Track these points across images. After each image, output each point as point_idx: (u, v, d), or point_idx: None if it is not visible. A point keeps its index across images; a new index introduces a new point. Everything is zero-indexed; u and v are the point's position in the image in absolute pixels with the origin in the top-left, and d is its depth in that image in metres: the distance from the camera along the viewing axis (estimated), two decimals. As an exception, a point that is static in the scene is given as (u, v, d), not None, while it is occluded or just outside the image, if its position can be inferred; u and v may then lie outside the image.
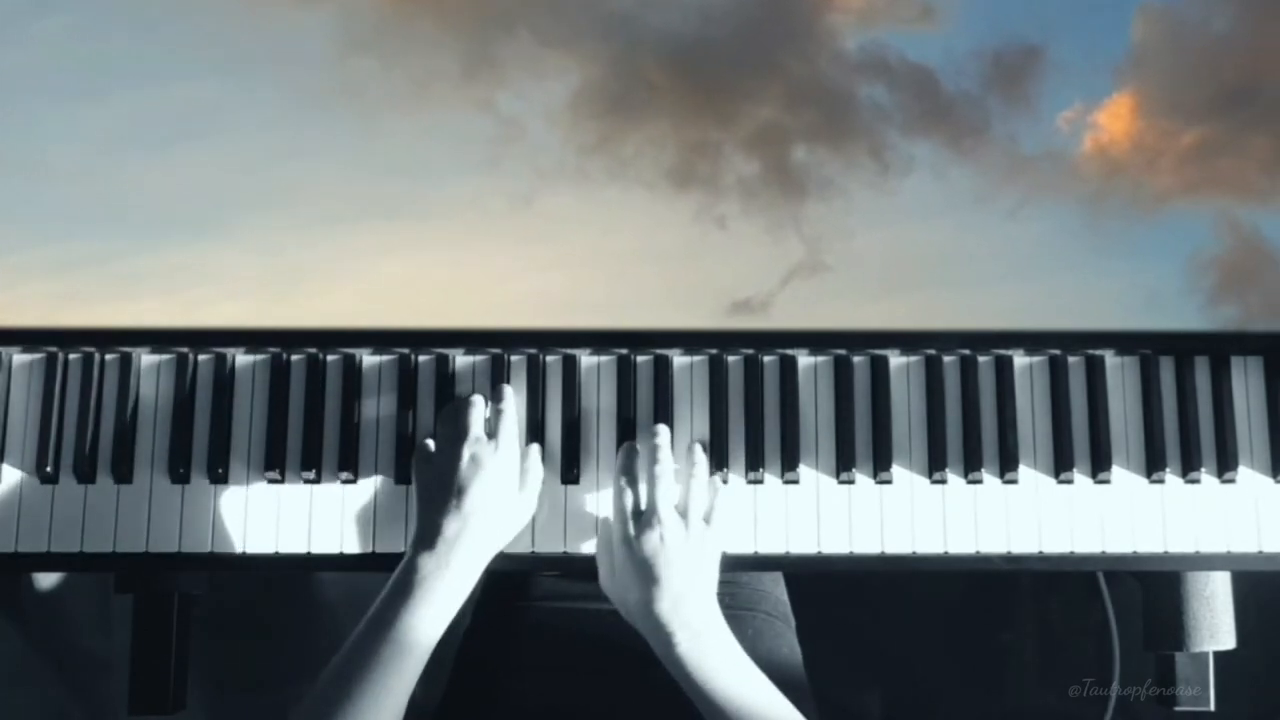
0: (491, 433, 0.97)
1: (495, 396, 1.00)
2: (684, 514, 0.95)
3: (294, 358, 1.04)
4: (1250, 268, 1.13)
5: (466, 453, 0.94)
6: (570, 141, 1.16)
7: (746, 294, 1.14)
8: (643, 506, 0.95)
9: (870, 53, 1.17)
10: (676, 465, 0.99)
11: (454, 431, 0.97)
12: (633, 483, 0.96)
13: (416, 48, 1.16)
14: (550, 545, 1.02)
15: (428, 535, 0.91)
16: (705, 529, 0.96)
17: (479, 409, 0.98)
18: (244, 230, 1.17)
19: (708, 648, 0.90)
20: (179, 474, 1.01)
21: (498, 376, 1.03)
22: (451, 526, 0.91)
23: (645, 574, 0.91)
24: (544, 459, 1.02)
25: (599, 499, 1.02)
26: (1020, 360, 1.05)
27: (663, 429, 1.00)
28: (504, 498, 0.95)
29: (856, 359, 1.05)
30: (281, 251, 1.16)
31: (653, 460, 0.97)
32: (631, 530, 0.93)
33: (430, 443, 1.00)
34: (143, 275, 1.16)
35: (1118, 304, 1.15)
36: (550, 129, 1.16)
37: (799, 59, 1.16)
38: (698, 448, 1.00)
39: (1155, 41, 1.17)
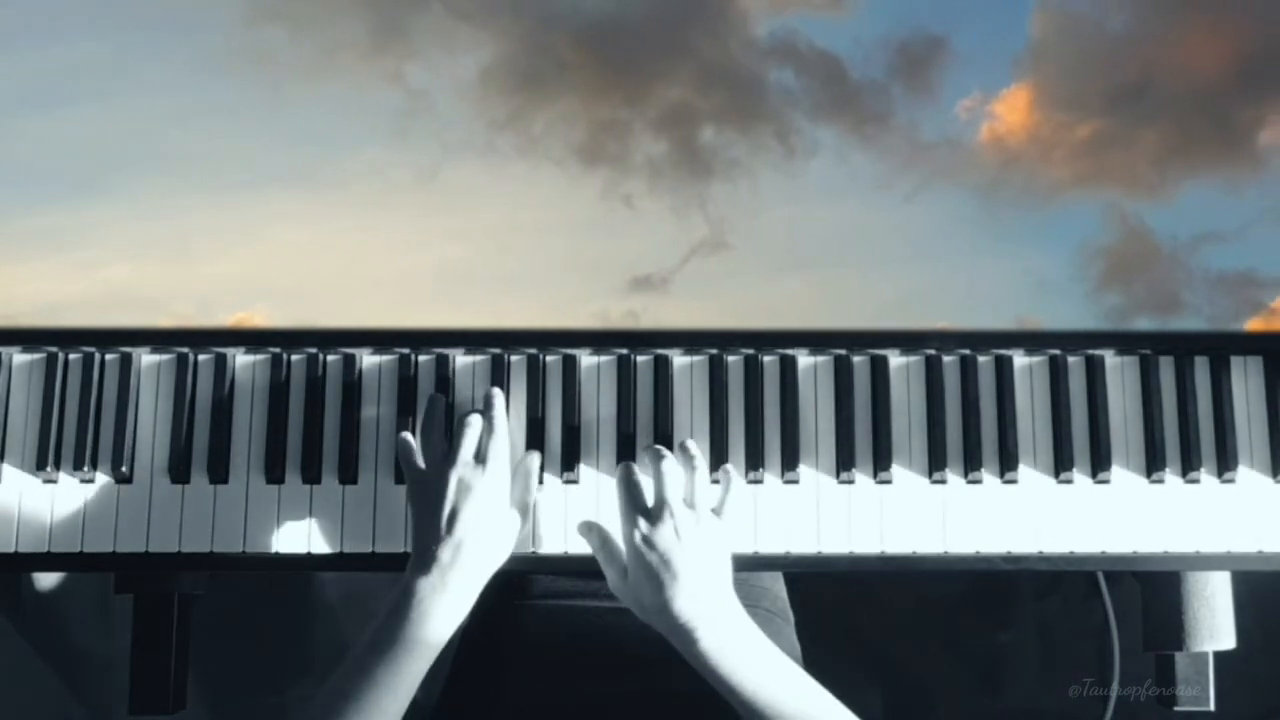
0: (481, 452, 0.97)
1: (486, 407, 1.00)
2: (691, 507, 0.95)
3: (294, 358, 1.04)
4: (1136, 258, 1.15)
5: (455, 477, 0.94)
6: (479, 116, 1.15)
7: (648, 270, 1.14)
8: (650, 504, 0.95)
9: (780, 38, 1.18)
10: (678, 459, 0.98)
11: (442, 453, 0.97)
12: (636, 485, 0.96)
13: (326, 16, 1.15)
14: (550, 545, 1.02)
15: (423, 560, 0.92)
16: (715, 520, 0.95)
17: (474, 430, 0.97)
18: (138, 194, 1.15)
19: (731, 640, 0.89)
20: (179, 474, 1.02)
21: (498, 377, 1.03)
22: (445, 552, 0.91)
23: (660, 573, 0.90)
24: (544, 459, 1.02)
25: (599, 499, 1.02)
26: (1020, 360, 1.05)
27: (663, 449, 0.99)
28: (495, 519, 0.95)
29: (856, 359, 1.05)
30: (177, 215, 1.15)
31: (657, 456, 0.96)
32: (644, 530, 0.92)
33: (420, 460, 0.99)
34: (31, 236, 1.15)
35: (1008, 288, 1.17)
36: (459, 103, 1.16)
37: (710, 42, 1.17)
38: (690, 442, 0.99)
39: (1052, 36, 1.19)
